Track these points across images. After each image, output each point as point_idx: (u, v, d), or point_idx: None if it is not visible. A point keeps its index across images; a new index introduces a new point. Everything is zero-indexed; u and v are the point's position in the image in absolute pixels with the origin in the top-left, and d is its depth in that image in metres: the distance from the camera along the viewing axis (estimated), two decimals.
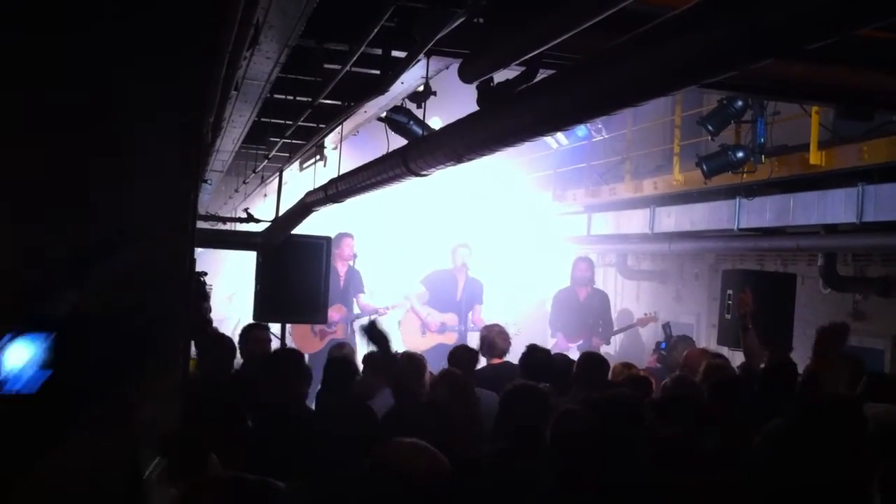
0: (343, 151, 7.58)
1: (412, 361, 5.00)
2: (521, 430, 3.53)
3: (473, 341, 9.61)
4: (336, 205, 6.55)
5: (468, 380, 4.73)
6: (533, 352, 5.30)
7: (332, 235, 7.82)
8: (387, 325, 8.98)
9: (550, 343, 9.61)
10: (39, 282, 3.03)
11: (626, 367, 5.55)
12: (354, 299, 9.38)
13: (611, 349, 10.07)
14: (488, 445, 3.83)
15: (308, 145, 7.09)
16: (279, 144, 7.22)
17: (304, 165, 8.79)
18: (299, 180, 9.11)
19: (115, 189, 3.14)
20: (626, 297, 11.54)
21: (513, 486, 3.28)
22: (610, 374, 5.32)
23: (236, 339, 6.17)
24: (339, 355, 5.59)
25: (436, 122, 6.59)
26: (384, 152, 5.49)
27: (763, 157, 7.20)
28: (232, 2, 2.34)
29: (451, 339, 9.28)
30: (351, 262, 9.37)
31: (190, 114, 3.20)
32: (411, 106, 5.80)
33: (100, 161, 3.13)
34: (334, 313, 8.91)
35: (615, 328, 10.10)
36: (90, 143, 3.11)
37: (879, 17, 1.91)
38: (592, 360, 5.24)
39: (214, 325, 6.66)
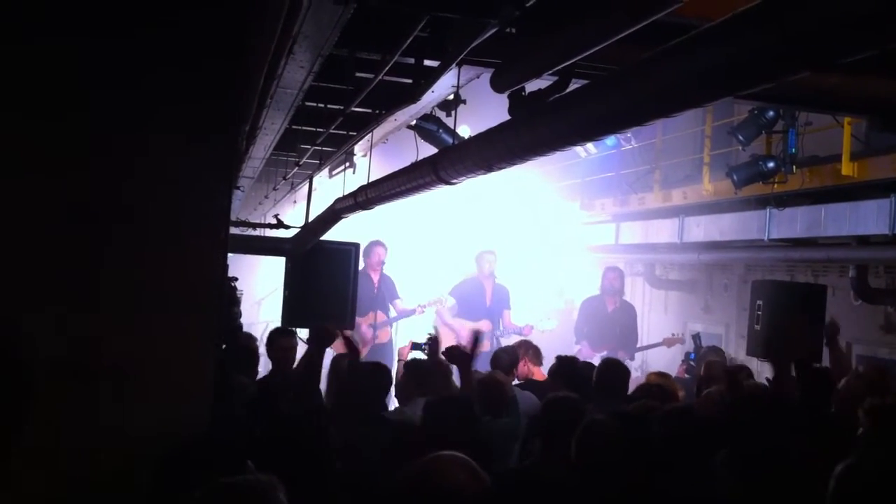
0: (372, 159, 7.62)
1: (440, 366, 5.23)
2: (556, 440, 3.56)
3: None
4: (365, 212, 6.59)
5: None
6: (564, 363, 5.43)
7: (361, 242, 7.86)
8: (419, 327, 9.13)
9: (575, 350, 9.59)
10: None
11: (660, 376, 5.54)
12: (391, 305, 9.44)
13: (637, 358, 10.01)
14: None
15: (338, 153, 7.14)
16: (310, 152, 7.27)
17: (334, 172, 8.85)
18: (328, 187, 9.17)
19: (151, 193, 3.20)
20: (654, 307, 11.48)
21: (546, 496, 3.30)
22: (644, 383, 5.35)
23: (264, 344, 6.22)
24: (342, 365, 5.64)
25: (464, 131, 6.62)
26: (412, 160, 5.52)
27: (794, 167, 7.15)
28: (272, 13, 2.38)
29: (486, 347, 9.31)
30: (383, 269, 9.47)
31: (226, 122, 3.24)
32: (440, 114, 5.83)
33: (138, 165, 3.18)
34: (368, 322, 9.01)
35: (639, 344, 10.04)
36: (130, 147, 3.16)
37: None
38: (613, 369, 5.25)
39: (245, 329, 6.71)
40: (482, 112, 5.44)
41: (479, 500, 2.13)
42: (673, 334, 9.84)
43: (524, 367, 6.42)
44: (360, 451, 3.96)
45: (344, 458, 3.87)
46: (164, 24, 3.15)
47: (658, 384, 5.18)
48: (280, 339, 5.94)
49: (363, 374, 4.83)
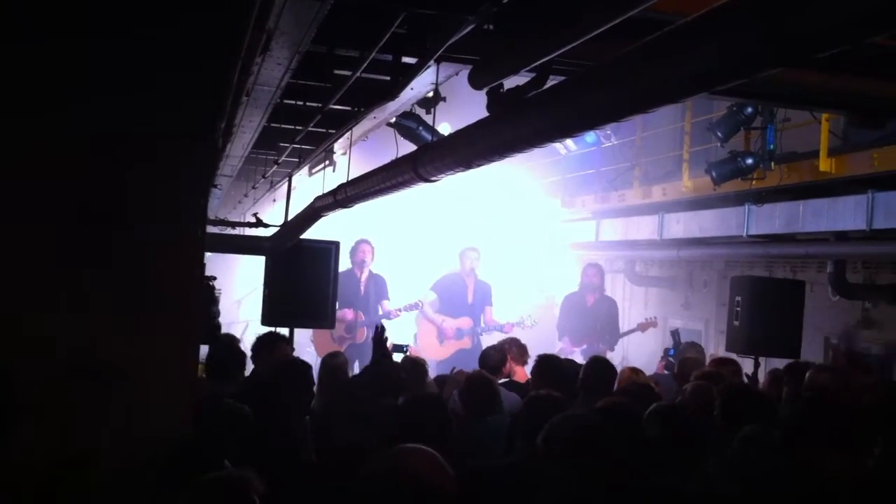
0: (352, 157, 7.59)
1: (416, 366, 5.44)
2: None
3: (487, 344, 9.69)
4: (345, 210, 6.56)
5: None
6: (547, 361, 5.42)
7: (343, 241, 7.83)
8: (400, 328, 9.11)
9: (558, 346, 9.63)
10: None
11: (633, 372, 5.55)
12: (379, 305, 9.38)
13: (617, 354, 10.06)
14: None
15: (318, 150, 7.10)
16: (289, 150, 7.23)
17: (314, 171, 8.81)
18: (308, 185, 9.13)
19: (135, 193, 3.17)
20: (635, 303, 11.52)
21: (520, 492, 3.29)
22: (618, 379, 5.33)
23: (244, 343, 6.15)
24: (333, 363, 5.63)
25: (445, 128, 6.61)
26: (393, 158, 5.50)
27: (773, 163, 7.19)
28: (245, 9, 2.35)
29: (468, 344, 9.34)
30: (371, 268, 9.41)
31: (203, 120, 3.21)
32: (420, 111, 5.81)
33: (126, 166, 3.16)
34: (347, 318, 8.95)
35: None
36: (120, 149, 3.14)
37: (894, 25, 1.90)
38: (599, 367, 5.24)
39: (224, 329, 6.65)
40: (462, 110, 5.42)
41: (443, 493, 2.14)
42: (647, 318, 9.91)
43: (506, 366, 6.41)
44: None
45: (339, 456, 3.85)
46: (163, 25, 3.13)
47: (641, 383, 5.18)
48: (282, 346, 5.78)
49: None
